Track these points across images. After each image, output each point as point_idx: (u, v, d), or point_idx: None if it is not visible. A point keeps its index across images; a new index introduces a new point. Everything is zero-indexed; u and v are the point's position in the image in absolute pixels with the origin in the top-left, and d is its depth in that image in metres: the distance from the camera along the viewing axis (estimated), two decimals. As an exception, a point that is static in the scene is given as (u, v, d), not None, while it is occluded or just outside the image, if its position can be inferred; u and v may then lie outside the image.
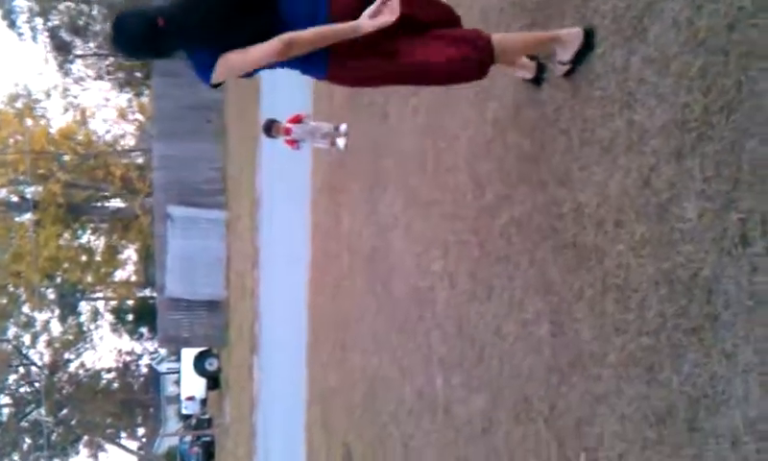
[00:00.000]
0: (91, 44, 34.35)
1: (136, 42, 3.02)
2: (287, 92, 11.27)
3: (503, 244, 4.29)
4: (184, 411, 24.72)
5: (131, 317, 36.36)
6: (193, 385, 23.48)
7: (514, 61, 3.63)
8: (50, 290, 34.88)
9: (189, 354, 23.28)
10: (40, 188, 28.37)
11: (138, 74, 32.23)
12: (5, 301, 32.20)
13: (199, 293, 20.57)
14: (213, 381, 22.60)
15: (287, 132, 8.43)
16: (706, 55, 2.67)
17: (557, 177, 3.69)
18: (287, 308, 12.08)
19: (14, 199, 29.82)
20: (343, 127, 7.80)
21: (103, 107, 33.62)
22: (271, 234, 15.15)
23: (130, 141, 33.26)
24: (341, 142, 7.90)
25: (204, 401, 24.25)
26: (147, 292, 36.56)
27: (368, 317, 7.16)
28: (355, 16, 2.95)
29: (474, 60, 3.10)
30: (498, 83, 4.29)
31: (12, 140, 27.98)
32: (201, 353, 22.65)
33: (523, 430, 4.06)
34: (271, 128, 8.55)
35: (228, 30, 2.92)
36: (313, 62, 3.06)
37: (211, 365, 22.52)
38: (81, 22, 36.00)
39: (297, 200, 11.19)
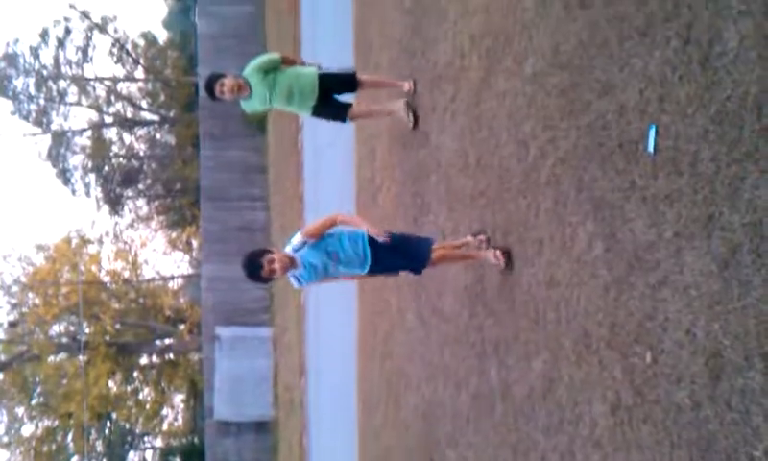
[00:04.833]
0: (141, 186, 35.81)
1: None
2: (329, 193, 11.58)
3: (551, 192, 4.29)
4: None
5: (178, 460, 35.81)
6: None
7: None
8: (99, 442, 34.76)
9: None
10: (90, 329, 28.86)
11: (188, 212, 33.32)
12: (54, 448, 32.03)
13: (247, 414, 20.30)
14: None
15: None
16: None
17: (598, 90, 3.75)
18: (337, 390, 11.88)
19: (65, 340, 30.27)
20: None
21: (153, 243, 34.63)
22: (318, 339, 15.11)
23: (180, 271, 34.16)
24: None
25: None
26: (195, 437, 36.08)
27: (419, 350, 7.04)
28: None
29: None
30: (535, 40, 4.44)
31: (63, 278, 28.81)
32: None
33: (585, 369, 3.93)
34: None
35: None
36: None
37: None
38: (131, 174, 37.75)
39: (344, 292, 11.19)
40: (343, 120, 6.87)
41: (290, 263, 4.98)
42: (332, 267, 5.08)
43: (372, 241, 5.04)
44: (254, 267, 4.91)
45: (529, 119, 4.56)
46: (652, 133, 3.26)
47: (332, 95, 6.64)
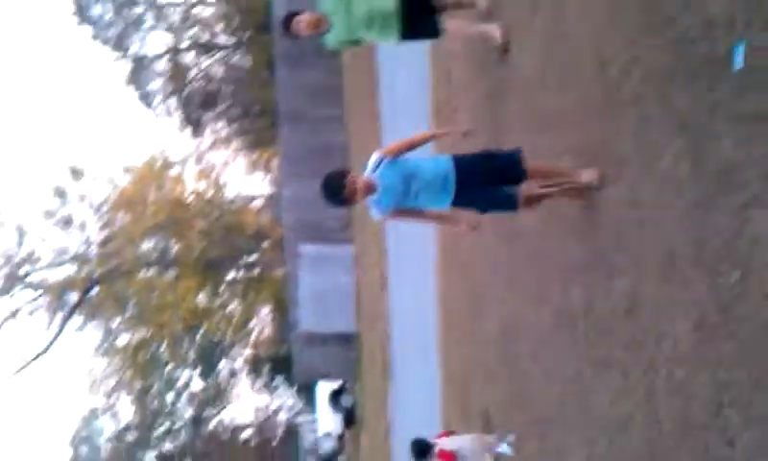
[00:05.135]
0: (220, 109, 36.47)
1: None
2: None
3: (635, 110, 4.23)
4: (321, 451, 25.00)
5: (267, 369, 37.40)
6: (329, 422, 23.75)
7: None
8: (191, 352, 36.59)
9: (324, 393, 23.63)
10: (177, 246, 30.15)
11: (266, 133, 33.89)
12: (149, 358, 33.94)
13: (331, 327, 20.98)
14: (349, 418, 22.80)
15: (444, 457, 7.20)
16: None
17: (681, 4, 3.65)
18: (417, 305, 12.16)
19: (154, 256, 31.71)
20: (510, 437, 6.72)
21: (234, 164, 35.68)
22: (398, 256, 15.39)
23: (261, 190, 35.24)
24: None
25: (340, 437, 24.42)
26: (282, 349, 37.48)
27: (500, 268, 7.13)
28: None
29: None
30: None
31: (150, 197, 30.06)
32: (336, 392, 22.98)
33: (669, 288, 3.94)
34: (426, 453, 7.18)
35: None
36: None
37: (347, 402, 22.77)
38: (210, 97, 38.41)
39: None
40: (437, 35, 6.35)
41: (371, 186, 4.82)
42: (412, 189, 4.83)
43: (456, 164, 4.88)
44: (335, 189, 4.76)
45: (611, 36, 4.47)
46: (741, 48, 3.18)
47: (418, 13, 6.11)
